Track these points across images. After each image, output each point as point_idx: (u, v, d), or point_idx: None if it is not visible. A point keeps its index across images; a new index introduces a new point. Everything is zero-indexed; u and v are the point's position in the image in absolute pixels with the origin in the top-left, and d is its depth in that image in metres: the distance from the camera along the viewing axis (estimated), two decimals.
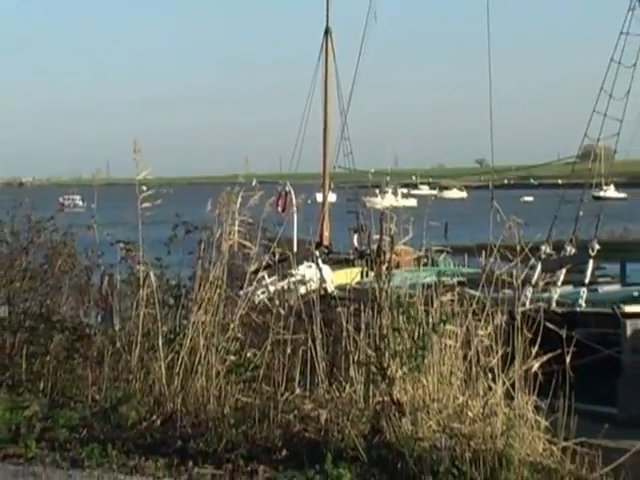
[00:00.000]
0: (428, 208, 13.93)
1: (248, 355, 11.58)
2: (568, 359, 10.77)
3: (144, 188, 12.84)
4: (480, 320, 10.98)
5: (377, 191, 57.46)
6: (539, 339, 10.71)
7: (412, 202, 54.89)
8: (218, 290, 11.97)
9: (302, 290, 14.19)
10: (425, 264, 18.48)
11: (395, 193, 76.36)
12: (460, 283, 13.81)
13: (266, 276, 14.03)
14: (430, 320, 11.00)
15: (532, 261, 15.35)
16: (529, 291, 19.11)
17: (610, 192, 61.28)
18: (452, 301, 11.34)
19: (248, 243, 12.72)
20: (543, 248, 21.14)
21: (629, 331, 19.31)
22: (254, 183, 13.72)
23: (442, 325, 10.91)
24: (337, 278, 20.93)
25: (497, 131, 28.82)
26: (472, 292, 11.98)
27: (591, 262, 22.69)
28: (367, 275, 12.30)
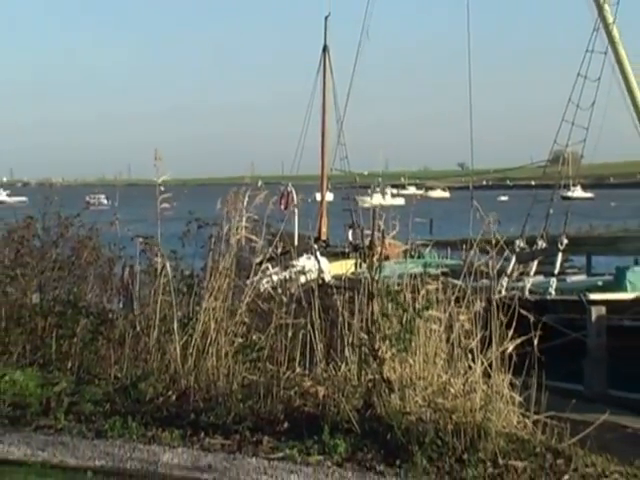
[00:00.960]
0: (413, 206, 13.96)
1: (254, 338, 11.62)
2: (537, 342, 10.77)
3: (162, 189, 12.89)
4: (461, 306, 10.98)
5: (369, 191, 57.46)
6: (513, 324, 10.70)
7: (400, 201, 54.68)
8: (227, 279, 11.99)
9: (302, 280, 14.19)
10: (412, 256, 18.48)
11: (383, 193, 76.00)
12: (443, 273, 13.81)
13: (270, 267, 14.04)
14: (416, 306, 11.00)
15: (507, 254, 15.33)
16: (505, 281, 19.16)
17: (577, 192, 61.22)
18: (436, 289, 11.33)
19: (254, 237, 12.73)
20: (517, 242, 21.15)
21: (594, 316, 19.33)
22: (260, 184, 13.76)
23: (427, 311, 10.92)
24: (333, 269, 20.91)
25: (476, 138, 28.83)
26: (454, 281, 11.99)
27: (560, 255, 22.71)
28: (360, 266, 12.26)
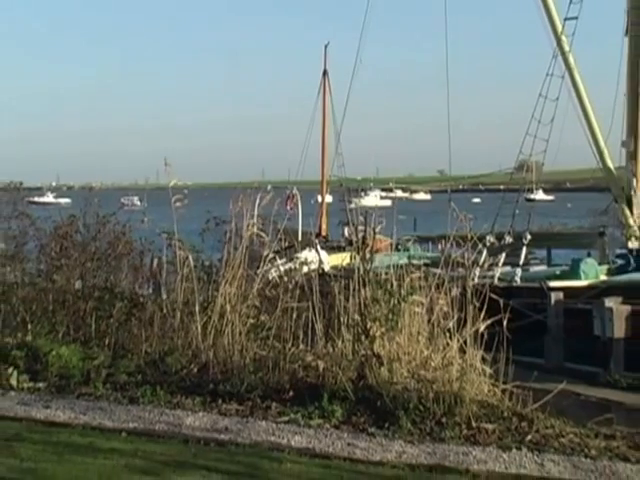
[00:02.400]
0: (397, 207, 13.99)
1: (263, 319, 11.60)
2: (504, 322, 10.77)
3: (185, 192, 12.93)
4: (440, 292, 10.98)
5: (362, 194, 57.44)
6: (485, 307, 10.70)
7: (388, 202, 54.54)
8: (240, 269, 11.98)
9: (305, 269, 14.15)
10: (398, 249, 18.45)
11: (367, 195, 75.58)
12: (425, 264, 13.75)
13: (277, 258, 14.00)
14: (402, 292, 11.01)
15: (479, 247, 15.30)
16: (477, 270, 19.06)
17: (539, 195, 61.27)
18: (419, 278, 11.34)
19: (263, 233, 12.72)
20: (488, 237, 21.08)
21: (553, 301, 19.33)
22: (269, 188, 13.72)
23: (411, 296, 10.92)
24: (332, 260, 20.84)
25: (454, 148, 28.86)
26: (434, 271, 11.97)
27: (524, 248, 22.72)
28: (354, 258, 12.24)
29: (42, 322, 13.22)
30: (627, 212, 23.52)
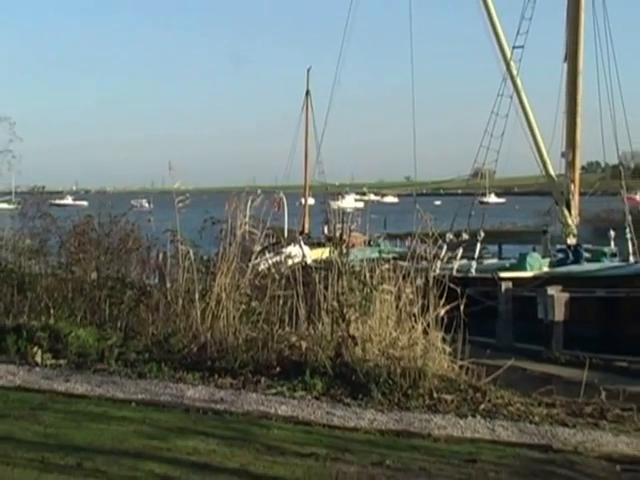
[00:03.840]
0: (369, 208, 14.03)
1: (253, 305, 11.56)
2: (462, 308, 10.80)
3: (187, 195, 12.90)
4: (406, 282, 10.99)
5: (340, 197, 57.35)
6: (445, 295, 10.72)
7: (361, 204, 54.62)
8: (234, 262, 11.94)
9: (290, 262, 14.15)
10: (370, 245, 18.46)
11: (344, 198, 75.27)
12: (394, 258, 13.78)
13: (266, 253, 13.98)
14: (373, 282, 11.02)
15: (440, 243, 15.34)
16: (438, 263, 19.13)
17: (492, 199, 61.39)
18: (388, 269, 11.34)
19: (254, 231, 12.70)
20: (447, 235, 21.15)
21: (503, 289, 19.40)
22: (259, 192, 13.69)
23: (381, 285, 10.92)
24: (313, 254, 20.84)
25: (419, 156, 29.02)
26: (401, 263, 11.99)
27: (479, 244, 22.81)
28: (333, 252, 12.25)
29: (62, 308, 13.15)
30: (566, 213, 23.64)
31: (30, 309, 13.27)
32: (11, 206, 18.56)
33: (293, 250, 17.57)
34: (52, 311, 12.87)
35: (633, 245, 23.17)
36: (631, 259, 22.89)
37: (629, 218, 23.77)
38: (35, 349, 11.45)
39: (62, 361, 11.24)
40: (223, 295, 11.50)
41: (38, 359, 11.27)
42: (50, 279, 14.36)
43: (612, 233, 24.17)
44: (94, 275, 14.44)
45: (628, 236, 23.33)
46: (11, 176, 16.38)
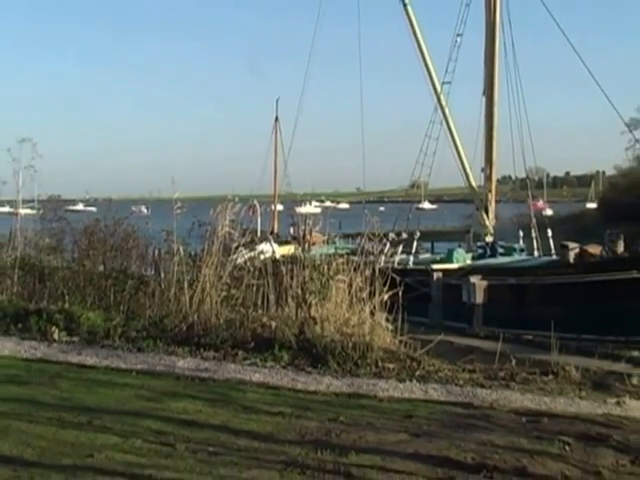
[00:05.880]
0: (327, 213, 14.06)
1: (233, 292, 11.51)
2: (401, 293, 10.85)
3: (179, 203, 12.87)
4: (357, 273, 11.02)
5: (303, 204, 57.41)
6: (388, 283, 10.78)
7: (318, 210, 54.88)
8: (216, 257, 11.87)
9: (262, 257, 14.10)
10: (328, 243, 18.49)
11: (306, 204, 75.38)
12: (347, 253, 13.80)
13: (243, 249, 13.91)
14: (330, 273, 11.04)
15: (384, 241, 15.40)
16: (382, 257, 19.19)
17: (426, 205, 61.66)
18: (342, 263, 11.36)
19: (233, 231, 12.65)
20: (390, 234, 21.20)
21: (435, 278, 19.50)
22: (237, 199, 13.64)
23: (336, 275, 10.95)
24: (281, 251, 20.78)
25: (368, 167, 29.30)
26: (353, 258, 12.02)
27: (415, 242, 22.96)
28: (297, 249, 12.25)
29: (75, 294, 13.04)
30: (485, 217, 23.94)
31: (49, 295, 13.15)
32: (34, 211, 18.34)
33: (265, 247, 17.49)
34: (67, 297, 12.77)
35: (537, 242, 23.57)
36: (535, 254, 23.30)
37: (534, 221, 24.14)
38: (53, 328, 11.34)
39: (75, 338, 11.14)
40: (207, 284, 11.44)
41: (55, 336, 11.16)
42: (65, 271, 14.22)
43: (521, 233, 24.48)
44: (101, 268, 14.35)
45: (533, 235, 23.74)
46: (34, 187, 16.24)
